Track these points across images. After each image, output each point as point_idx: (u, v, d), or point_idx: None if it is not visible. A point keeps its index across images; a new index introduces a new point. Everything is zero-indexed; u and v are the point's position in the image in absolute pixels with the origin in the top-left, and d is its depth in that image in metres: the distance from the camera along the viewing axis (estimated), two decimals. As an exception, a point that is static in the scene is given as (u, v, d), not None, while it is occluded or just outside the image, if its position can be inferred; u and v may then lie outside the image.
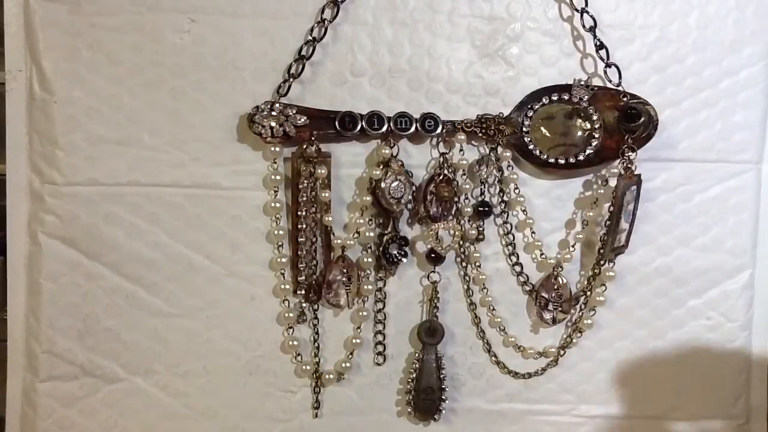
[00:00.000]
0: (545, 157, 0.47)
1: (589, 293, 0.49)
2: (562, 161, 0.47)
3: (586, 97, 0.47)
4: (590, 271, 0.48)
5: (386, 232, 0.47)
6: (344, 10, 0.46)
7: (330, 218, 0.46)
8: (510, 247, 0.49)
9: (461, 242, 0.48)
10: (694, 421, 0.50)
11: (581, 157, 0.47)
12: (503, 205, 0.48)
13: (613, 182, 0.47)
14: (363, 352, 0.49)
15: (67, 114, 0.46)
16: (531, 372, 0.50)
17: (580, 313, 0.49)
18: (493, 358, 0.49)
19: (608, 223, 0.47)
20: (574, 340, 0.49)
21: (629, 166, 0.46)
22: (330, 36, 0.46)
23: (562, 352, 0.49)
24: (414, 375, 0.48)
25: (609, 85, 0.47)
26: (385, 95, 0.47)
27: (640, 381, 0.50)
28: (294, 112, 0.45)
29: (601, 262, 0.48)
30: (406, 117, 0.46)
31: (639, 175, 0.47)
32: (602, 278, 0.48)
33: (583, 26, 0.47)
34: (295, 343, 0.48)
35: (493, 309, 0.49)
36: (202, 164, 0.47)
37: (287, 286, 0.47)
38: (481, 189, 0.48)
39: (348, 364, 0.48)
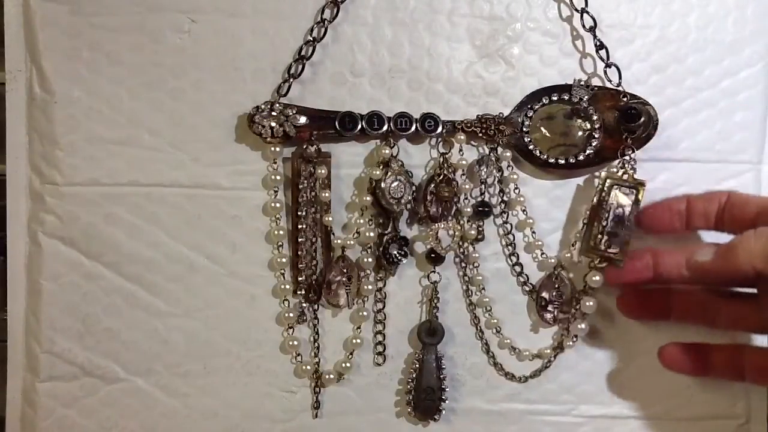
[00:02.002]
0: (545, 157, 0.47)
1: (581, 297, 0.48)
2: (562, 161, 0.47)
3: (586, 97, 0.47)
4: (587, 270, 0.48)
5: (386, 232, 0.47)
6: (344, 10, 0.46)
7: (330, 218, 0.46)
8: (510, 247, 0.49)
9: (461, 242, 0.48)
10: (694, 421, 0.50)
11: (581, 157, 0.47)
12: (503, 205, 0.48)
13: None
14: (363, 352, 0.49)
15: (67, 114, 0.46)
16: (527, 375, 0.49)
17: (573, 315, 0.48)
18: (491, 359, 0.49)
19: (587, 220, 0.46)
20: (570, 343, 0.49)
21: (625, 167, 0.46)
22: (330, 36, 0.46)
23: (553, 356, 0.49)
24: (414, 375, 0.48)
25: (609, 85, 0.47)
26: (385, 95, 0.47)
27: (640, 381, 0.50)
28: (294, 112, 0.45)
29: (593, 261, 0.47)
30: (406, 117, 0.46)
31: (643, 181, 0.46)
32: (588, 282, 0.47)
33: (583, 26, 0.47)
34: (295, 343, 0.48)
35: (490, 309, 0.49)
36: (202, 164, 0.47)
37: (287, 286, 0.47)
38: (480, 189, 0.48)
39: (348, 364, 0.48)
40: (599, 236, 0.46)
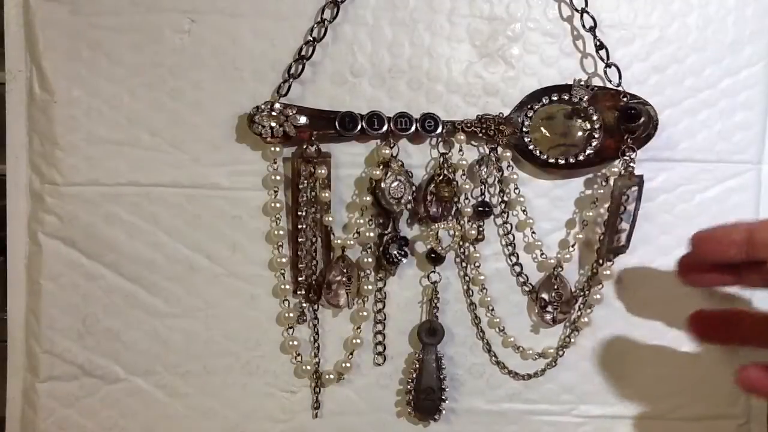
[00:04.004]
0: (545, 157, 0.47)
1: (587, 292, 0.49)
2: (562, 161, 0.47)
3: (586, 97, 0.47)
4: (589, 271, 0.48)
5: (386, 232, 0.47)
6: (344, 10, 0.46)
7: (330, 218, 0.46)
8: (510, 248, 0.49)
9: (461, 242, 0.48)
10: (694, 421, 0.50)
11: (581, 157, 0.47)
12: (503, 205, 0.48)
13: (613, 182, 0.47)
14: (363, 352, 0.49)
15: (67, 114, 0.46)
16: (530, 373, 0.50)
17: (579, 312, 0.49)
18: (493, 358, 0.49)
19: (606, 223, 0.47)
20: (572, 340, 0.49)
21: (629, 166, 0.47)
22: (330, 36, 0.46)
23: (560, 353, 0.49)
24: (414, 375, 0.48)
25: (609, 85, 0.47)
26: (385, 95, 0.47)
27: (640, 381, 0.50)
28: (294, 112, 0.45)
29: (599, 261, 0.48)
30: (406, 117, 0.46)
31: (641, 176, 0.47)
32: (600, 277, 0.48)
33: (583, 26, 0.47)
34: (295, 343, 0.48)
35: (492, 309, 0.49)
36: (202, 164, 0.47)
37: (287, 286, 0.47)
38: (481, 189, 0.48)
39: (348, 365, 0.48)
40: (615, 236, 0.47)
